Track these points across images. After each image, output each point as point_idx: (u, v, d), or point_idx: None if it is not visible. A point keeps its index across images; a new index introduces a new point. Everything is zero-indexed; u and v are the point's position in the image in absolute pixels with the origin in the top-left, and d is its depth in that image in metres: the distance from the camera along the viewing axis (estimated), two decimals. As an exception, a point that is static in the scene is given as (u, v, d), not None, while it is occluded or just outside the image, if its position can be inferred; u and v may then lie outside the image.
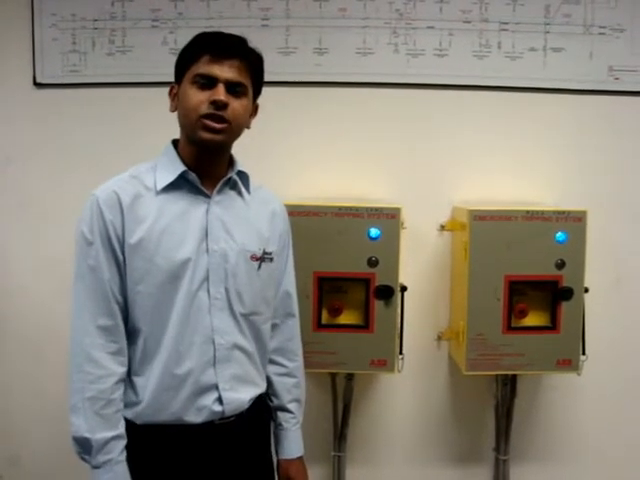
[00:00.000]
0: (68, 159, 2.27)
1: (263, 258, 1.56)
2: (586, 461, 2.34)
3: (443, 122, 2.23)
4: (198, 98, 1.46)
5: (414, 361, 2.22)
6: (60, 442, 2.29)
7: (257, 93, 1.58)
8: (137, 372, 1.48)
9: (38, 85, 2.25)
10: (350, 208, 1.97)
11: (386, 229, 1.97)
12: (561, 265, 1.97)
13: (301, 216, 1.96)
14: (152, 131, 2.22)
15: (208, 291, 1.48)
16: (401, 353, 2.03)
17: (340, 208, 1.97)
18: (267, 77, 2.17)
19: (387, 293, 1.97)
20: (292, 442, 1.71)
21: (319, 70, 2.20)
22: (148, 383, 1.46)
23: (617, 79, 2.22)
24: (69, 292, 2.18)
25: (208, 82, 1.46)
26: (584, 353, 2.05)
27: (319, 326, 2.00)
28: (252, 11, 2.20)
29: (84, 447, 1.41)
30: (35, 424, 2.34)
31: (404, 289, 2.01)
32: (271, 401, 1.70)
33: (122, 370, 1.45)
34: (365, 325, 1.99)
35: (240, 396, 1.53)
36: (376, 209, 1.98)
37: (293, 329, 1.73)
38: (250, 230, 1.55)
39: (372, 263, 1.97)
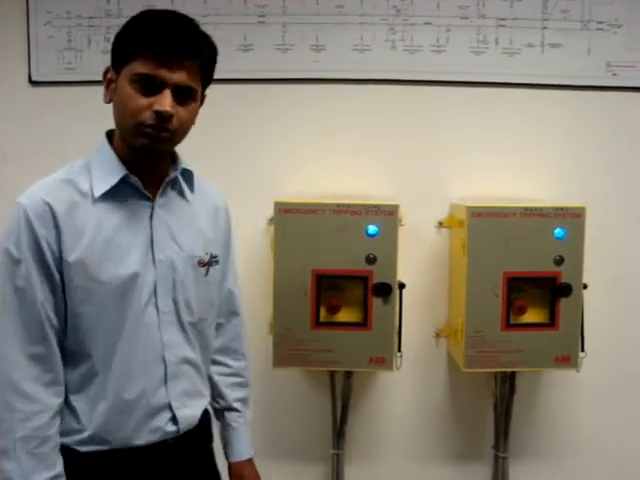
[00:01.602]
0: (64, 157, 2.22)
1: (210, 262, 1.44)
2: (585, 458, 2.33)
3: (441, 118, 2.23)
4: (139, 103, 1.26)
5: (413, 359, 2.22)
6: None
7: (207, 85, 1.39)
8: (78, 397, 1.32)
9: (33, 83, 2.24)
10: (348, 205, 1.96)
11: (384, 226, 1.96)
12: (560, 261, 1.97)
13: (299, 213, 1.95)
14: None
15: (156, 305, 1.35)
16: (399, 350, 2.02)
17: (338, 205, 1.96)
18: (263, 74, 2.18)
19: (385, 290, 1.97)
20: (242, 442, 1.61)
21: (316, 67, 2.20)
22: (94, 409, 1.31)
23: (615, 75, 2.22)
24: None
25: (152, 85, 1.26)
26: (583, 350, 2.05)
27: (317, 324, 1.99)
28: (249, 8, 2.19)
29: None
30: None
31: (402, 286, 2.01)
32: (217, 403, 1.60)
33: (59, 401, 1.29)
34: (363, 323, 1.98)
35: (193, 412, 1.43)
36: (374, 206, 1.97)
37: (238, 328, 1.62)
38: (196, 234, 1.43)
39: (370, 260, 1.96)
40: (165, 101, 1.25)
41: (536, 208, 1.97)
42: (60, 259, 1.27)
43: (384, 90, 2.21)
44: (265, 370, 2.08)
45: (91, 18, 2.21)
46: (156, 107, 1.25)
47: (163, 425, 1.37)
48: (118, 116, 1.32)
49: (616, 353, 2.28)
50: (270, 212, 2.01)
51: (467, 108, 2.22)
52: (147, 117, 1.26)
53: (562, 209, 1.98)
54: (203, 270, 1.43)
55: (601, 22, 2.20)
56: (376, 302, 1.98)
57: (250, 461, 1.62)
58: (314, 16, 2.19)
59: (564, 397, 2.31)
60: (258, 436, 2.30)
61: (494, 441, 2.26)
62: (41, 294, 1.26)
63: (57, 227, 1.27)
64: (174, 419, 1.39)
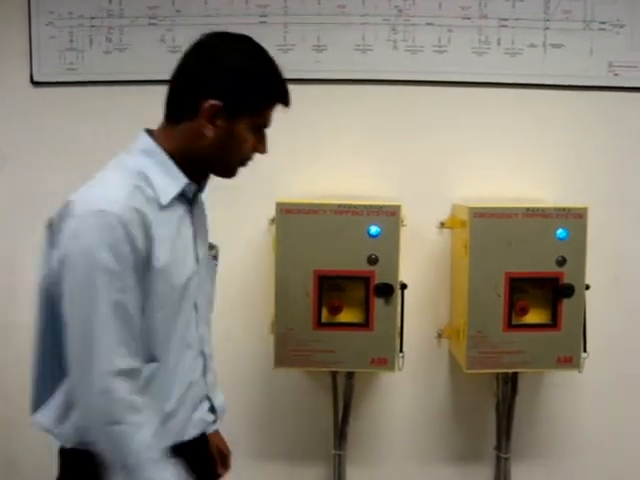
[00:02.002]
0: (65, 157, 2.26)
1: (215, 255, 1.51)
2: (587, 458, 2.33)
3: (443, 119, 2.23)
4: (250, 147, 1.33)
5: (414, 359, 2.21)
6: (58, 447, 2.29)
7: None
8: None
9: (35, 83, 2.24)
10: (350, 206, 1.96)
11: (386, 227, 1.96)
12: (562, 262, 1.96)
13: (301, 214, 1.95)
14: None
15: (196, 302, 1.37)
16: (401, 351, 2.02)
17: (340, 206, 1.96)
18: (266, 74, 2.18)
19: (387, 291, 1.96)
20: None
21: (318, 67, 2.20)
22: (158, 410, 1.30)
23: (617, 75, 2.21)
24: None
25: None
26: (585, 350, 2.04)
27: (319, 324, 1.99)
28: (250, 8, 2.19)
29: None
30: (33, 429, 2.32)
31: (404, 287, 2.01)
32: None
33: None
34: (365, 323, 1.98)
35: (221, 400, 1.50)
36: (376, 206, 1.97)
37: None
38: (205, 230, 1.49)
39: (372, 261, 1.96)
40: (266, 143, 1.37)
41: (538, 209, 1.97)
42: (148, 267, 1.24)
43: (386, 90, 2.21)
44: (266, 370, 2.08)
45: (93, 18, 2.21)
46: (263, 151, 1.37)
47: (204, 416, 1.43)
48: (222, 154, 1.33)
49: (618, 354, 2.28)
50: (272, 212, 2.00)
51: (469, 108, 2.22)
52: (249, 157, 1.36)
53: (564, 210, 1.97)
54: (214, 263, 1.51)
55: (603, 22, 2.19)
56: (378, 303, 1.97)
57: (217, 430, 1.60)
58: (315, 16, 2.18)
59: (566, 398, 2.30)
60: (260, 436, 2.32)
61: (496, 442, 2.26)
62: (135, 307, 1.22)
63: (148, 234, 1.24)
64: (212, 408, 1.45)
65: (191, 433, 1.39)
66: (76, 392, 1.25)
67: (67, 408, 1.35)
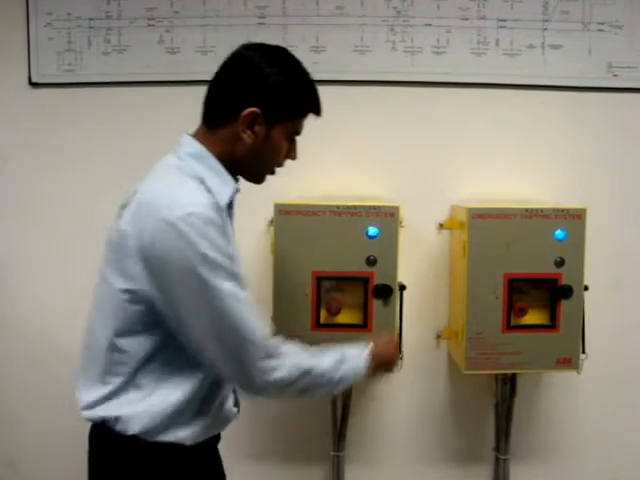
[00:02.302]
0: (64, 158, 2.26)
1: None
2: (586, 460, 2.33)
3: (441, 120, 2.22)
4: (284, 152, 1.43)
5: (413, 360, 2.21)
6: (59, 446, 2.29)
7: None
8: (209, 400, 1.41)
9: (34, 85, 2.24)
10: (348, 207, 1.96)
11: (384, 228, 1.96)
12: (560, 263, 1.96)
13: (299, 215, 1.95)
14: (148, 130, 2.23)
15: None
16: (400, 352, 2.02)
17: (338, 207, 1.96)
18: (264, 75, 2.18)
19: (386, 292, 1.96)
20: None
21: (316, 68, 2.13)
22: (217, 406, 1.43)
23: (616, 76, 2.21)
24: (68, 293, 2.21)
25: None
26: (584, 351, 2.04)
27: (317, 325, 1.98)
28: (249, 9, 2.19)
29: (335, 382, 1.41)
30: (34, 428, 2.33)
31: (403, 288, 2.00)
32: None
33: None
34: (364, 324, 1.98)
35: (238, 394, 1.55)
36: (374, 207, 1.97)
37: None
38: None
39: (371, 262, 1.96)
40: (296, 149, 1.48)
41: (537, 209, 1.97)
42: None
43: (384, 91, 2.21)
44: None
45: (91, 20, 2.21)
46: (294, 157, 1.48)
47: (231, 408, 1.49)
48: (260, 159, 1.40)
49: (617, 355, 2.28)
50: (270, 214, 2.00)
51: (467, 109, 2.22)
52: (281, 163, 1.46)
53: (563, 210, 1.97)
54: None
55: (602, 23, 2.19)
56: (377, 304, 1.97)
57: None
58: (314, 17, 2.18)
59: (565, 399, 2.30)
60: (258, 437, 2.31)
61: (495, 443, 2.26)
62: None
63: (226, 233, 1.31)
64: (236, 401, 1.53)
65: (224, 425, 1.48)
66: (247, 377, 1.33)
67: (187, 405, 1.36)
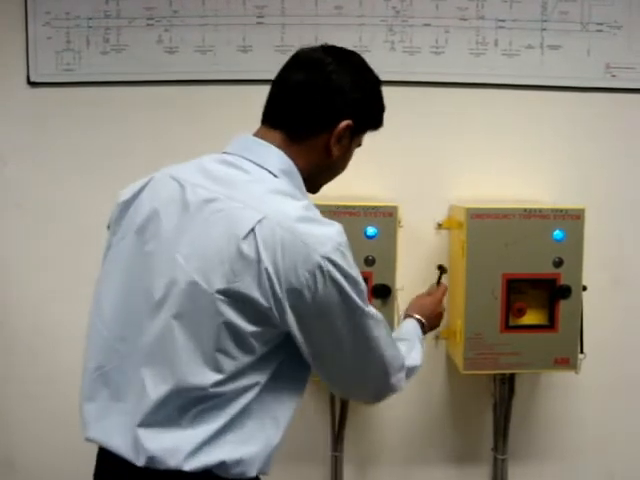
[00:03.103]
0: (63, 158, 2.26)
1: None
2: (585, 460, 2.33)
3: (440, 120, 2.22)
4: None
5: (412, 360, 2.21)
6: (55, 446, 2.29)
7: None
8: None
9: (32, 84, 2.24)
10: (347, 207, 1.96)
11: (383, 228, 1.96)
12: (559, 263, 1.96)
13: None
14: (146, 130, 2.23)
15: None
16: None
17: (337, 207, 1.96)
18: (263, 75, 2.16)
19: (384, 292, 1.96)
20: None
21: None
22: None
23: (614, 76, 2.21)
24: (68, 293, 2.20)
25: None
26: (582, 352, 2.04)
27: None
28: (247, 9, 2.18)
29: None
30: (30, 428, 2.32)
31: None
32: None
33: None
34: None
35: None
36: (373, 207, 1.97)
37: None
38: None
39: (369, 262, 1.96)
40: None
41: (535, 210, 1.97)
42: None
43: (383, 91, 2.20)
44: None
45: (90, 19, 2.20)
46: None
47: None
48: (332, 171, 1.40)
49: (616, 355, 2.28)
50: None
51: (466, 109, 2.22)
52: None
53: (561, 211, 1.97)
54: None
55: (600, 24, 2.19)
56: (375, 304, 1.97)
57: None
58: (313, 17, 2.18)
59: (563, 399, 2.30)
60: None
61: (493, 443, 2.26)
62: None
63: None
64: None
65: None
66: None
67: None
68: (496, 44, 2.19)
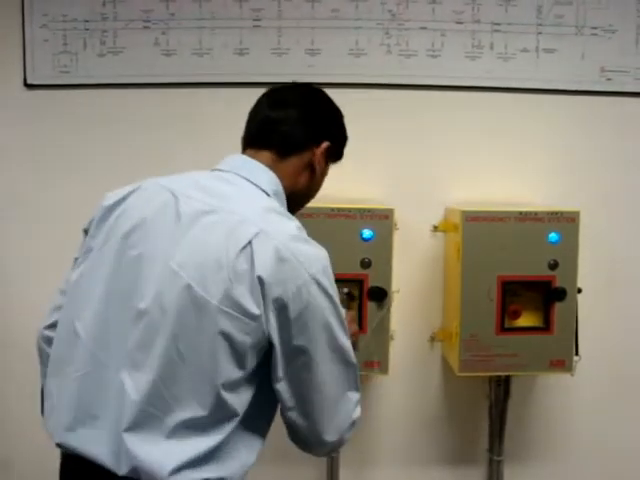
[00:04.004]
0: (60, 160, 2.26)
1: None
2: (580, 461, 2.34)
3: (436, 123, 2.23)
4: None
5: (407, 362, 2.22)
6: (52, 447, 2.28)
7: None
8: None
9: (29, 86, 2.24)
10: (343, 209, 1.96)
11: (379, 230, 1.96)
12: (554, 266, 1.97)
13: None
14: (143, 133, 2.23)
15: None
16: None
17: (333, 209, 1.96)
18: (260, 78, 2.18)
19: (380, 294, 1.97)
20: None
21: (311, 71, 2.20)
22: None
23: (609, 80, 2.22)
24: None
25: None
26: (577, 354, 2.05)
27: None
28: (244, 12, 2.19)
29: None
30: (28, 428, 2.32)
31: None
32: None
33: None
34: (359, 327, 1.98)
35: None
36: (369, 210, 1.97)
37: None
38: None
39: (365, 264, 1.96)
40: None
41: (530, 212, 1.97)
42: None
43: (379, 94, 2.21)
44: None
45: (87, 21, 2.20)
46: None
47: None
48: (311, 193, 1.46)
49: (611, 357, 2.29)
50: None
51: (462, 113, 2.23)
52: None
53: (556, 213, 1.98)
54: None
55: (595, 27, 2.20)
56: (371, 306, 1.97)
57: None
58: (309, 20, 2.19)
59: (558, 401, 2.31)
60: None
61: (489, 444, 2.26)
62: None
63: None
64: None
65: None
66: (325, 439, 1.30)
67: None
68: (492, 47, 2.20)
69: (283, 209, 1.31)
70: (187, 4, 2.19)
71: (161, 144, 2.20)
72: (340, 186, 2.18)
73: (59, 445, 1.25)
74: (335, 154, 1.46)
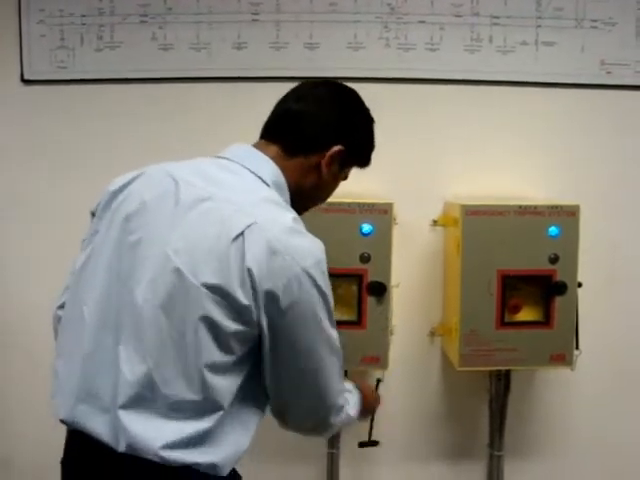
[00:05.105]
0: (57, 155, 2.25)
1: None
2: (580, 456, 2.34)
3: (435, 117, 2.22)
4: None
5: (407, 357, 2.22)
6: (52, 445, 2.28)
7: None
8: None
9: (26, 82, 2.23)
10: (342, 204, 1.96)
11: (378, 225, 1.96)
12: (554, 260, 1.97)
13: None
14: (140, 128, 2.22)
15: None
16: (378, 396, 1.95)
17: (332, 204, 1.95)
18: (258, 72, 2.18)
19: (379, 289, 1.96)
20: None
21: (310, 65, 2.19)
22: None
23: (609, 73, 2.22)
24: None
25: None
26: (577, 348, 2.04)
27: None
28: (242, 6, 2.18)
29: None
30: (28, 428, 2.32)
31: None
32: None
33: None
34: (357, 321, 1.97)
35: None
36: (368, 204, 1.96)
37: None
38: None
39: (364, 259, 1.96)
40: None
41: (530, 206, 1.97)
42: None
43: (378, 88, 2.20)
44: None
45: (84, 16, 2.20)
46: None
47: None
48: (318, 195, 1.46)
49: (611, 351, 2.28)
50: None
51: (461, 106, 2.22)
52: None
53: (556, 207, 1.97)
54: None
55: (595, 20, 2.19)
56: (370, 301, 1.97)
57: None
58: (308, 14, 2.18)
59: (559, 395, 2.31)
60: (252, 436, 2.31)
61: (489, 439, 2.26)
62: None
63: None
64: None
65: None
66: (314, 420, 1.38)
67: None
68: (491, 41, 2.19)
69: (282, 200, 1.31)
70: (184, -2, 2.18)
71: (159, 139, 2.20)
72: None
73: (63, 421, 1.30)
74: (352, 160, 1.43)
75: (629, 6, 2.19)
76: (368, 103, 2.18)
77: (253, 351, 1.24)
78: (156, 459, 1.18)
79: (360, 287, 1.97)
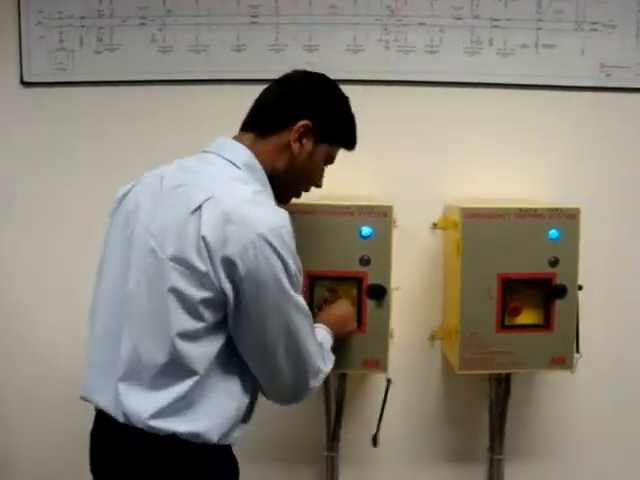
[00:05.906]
0: (56, 158, 2.25)
1: None
2: (581, 459, 2.33)
3: (434, 119, 2.22)
4: (319, 175, 1.60)
5: (407, 360, 2.21)
6: (50, 446, 2.28)
7: None
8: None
9: (25, 84, 2.23)
10: (342, 206, 1.95)
11: (378, 228, 1.95)
12: (555, 263, 1.96)
13: (293, 214, 1.93)
14: (140, 130, 2.22)
15: None
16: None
17: (332, 207, 1.95)
18: (257, 75, 2.16)
19: (379, 292, 1.95)
20: None
21: (310, 67, 2.13)
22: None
23: (609, 75, 2.21)
24: (65, 293, 2.20)
25: None
26: (578, 351, 2.04)
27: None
28: (241, 8, 2.18)
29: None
30: (28, 428, 2.31)
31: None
32: None
33: None
34: (357, 324, 1.97)
35: None
36: (368, 207, 1.96)
37: None
38: None
39: (364, 262, 1.95)
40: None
41: (530, 209, 1.96)
42: None
43: (377, 90, 2.20)
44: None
45: (83, 18, 2.19)
46: (320, 185, 1.65)
47: None
48: (297, 176, 1.52)
49: (611, 354, 2.28)
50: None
51: (461, 109, 2.22)
52: (308, 188, 1.62)
53: (557, 210, 1.97)
54: None
55: (595, 23, 2.19)
56: (370, 304, 1.96)
57: None
58: (307, 16, 2.18)
59: (559, 398, 2.30)
60: (251, 438, 2.30)
61: (489, 443, 2.25)
62: None
63: None
64: None
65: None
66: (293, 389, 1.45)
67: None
68: (491, 43, 2.19)
69: (251, 179, 1.40)
70: (184, 1, 2.17)
71: (158, 141, 2.20)
72: (338, 183, 2.18)
73: (82, 398, 1.44)
74: (325, 136, 1.50)
75: (629, 8, 2.19)
76: (367, 105, 2.20)
77: (227, 319, 1.33)
78: (145, 429, 1.30)
79: (360, 290, 1.96)
